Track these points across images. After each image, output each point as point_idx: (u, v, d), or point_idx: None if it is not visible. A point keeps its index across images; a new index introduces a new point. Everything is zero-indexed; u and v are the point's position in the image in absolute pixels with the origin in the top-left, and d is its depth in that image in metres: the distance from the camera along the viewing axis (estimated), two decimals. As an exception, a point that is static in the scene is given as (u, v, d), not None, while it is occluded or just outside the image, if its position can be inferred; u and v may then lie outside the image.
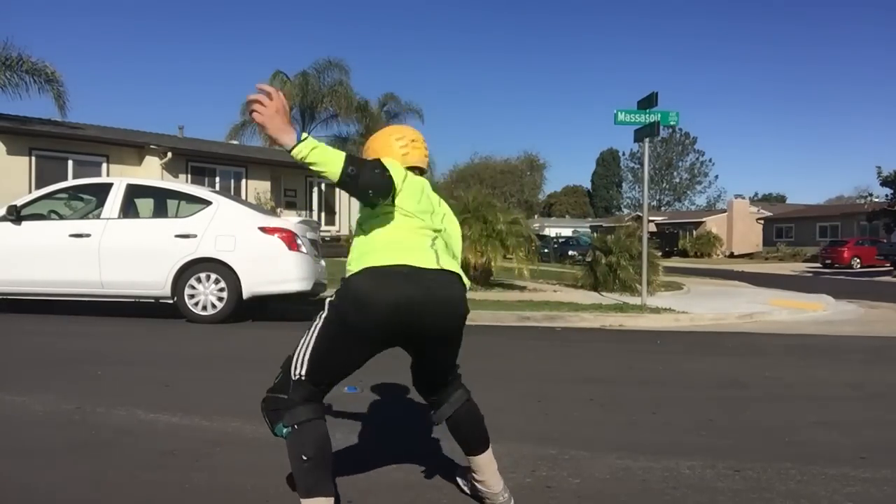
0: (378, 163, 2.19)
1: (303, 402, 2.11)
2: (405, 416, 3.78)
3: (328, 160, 2.04)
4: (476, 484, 2.46)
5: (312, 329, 2.17)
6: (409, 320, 2.12)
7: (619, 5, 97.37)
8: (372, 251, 2.18)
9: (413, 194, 2.29)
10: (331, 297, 2.19)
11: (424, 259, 2.21)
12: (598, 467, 2.97)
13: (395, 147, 2.44)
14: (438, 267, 2.22)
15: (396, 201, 2.23)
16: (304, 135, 2.02)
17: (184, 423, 3.53)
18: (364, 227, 2.27)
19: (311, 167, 2.04)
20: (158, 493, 2.60)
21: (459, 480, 2.63)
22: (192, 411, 3.74)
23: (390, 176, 2.17)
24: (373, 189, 2.12)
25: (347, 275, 2.19)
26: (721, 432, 3.64)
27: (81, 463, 2.94)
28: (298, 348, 2.16)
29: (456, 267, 2.32)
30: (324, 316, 2.16)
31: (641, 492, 2.71)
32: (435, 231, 2.32)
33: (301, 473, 2.08)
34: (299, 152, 2.01)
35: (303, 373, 2.12)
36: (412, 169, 2.41)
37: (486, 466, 2.42)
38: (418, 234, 2.26)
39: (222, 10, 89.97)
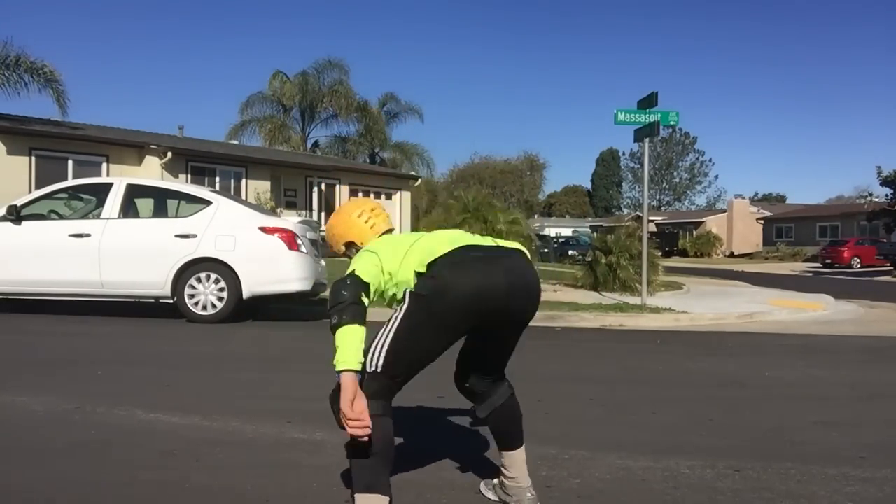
0: (350, 280, 2.12)
1: (373, 398, 2.06)
2: (406, 416, 3.77)
3: (343, 341, 2.03)
4: (505, 480, 2.45)
5: (392, 321, 2.14)
6: (492, 306, 2.11)
7: (619, 5, 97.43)
8: (424, 258, 2.16)
9: (405, 246, 2.24)
10: (412, 289, 2.15)
11: (477, 240, 2.23)
12: (598, 467, 2.96)
13: (360, 224, 2.49)
14: (497, 245, 2.24)
15: (404, 266, 2.18)
16: (336, 366, 2.02)
17: (184, 423, 3.53)
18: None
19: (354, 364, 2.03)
20: (158, 493, 2.60)
21: (483, 488, 2.61)
22: (192, 411, 3.74)
23: (357, 278, 2.11)
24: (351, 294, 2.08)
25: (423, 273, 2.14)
26: (721, 432, 3.64)
27: (81, 463, 2.95)
28: (375, 341, 2.13)
29: (518, 244, 2.33)
30: (405, 307, 2.13)
31: (641, 492, 2.71)
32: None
33: (362, 470, 2.05)
34: (349, 366, 2.01)
35: (379, 364, 2.09)
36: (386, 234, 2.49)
37: (518, 463, 2.42)
38: (448, 234, 2.30)
39: (222, 10, 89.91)
